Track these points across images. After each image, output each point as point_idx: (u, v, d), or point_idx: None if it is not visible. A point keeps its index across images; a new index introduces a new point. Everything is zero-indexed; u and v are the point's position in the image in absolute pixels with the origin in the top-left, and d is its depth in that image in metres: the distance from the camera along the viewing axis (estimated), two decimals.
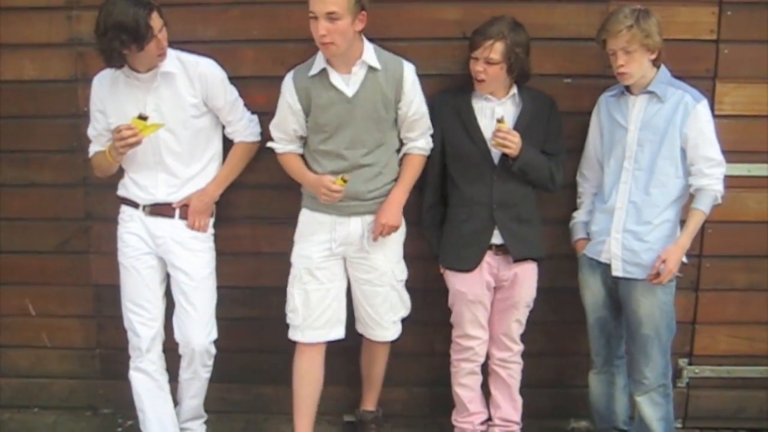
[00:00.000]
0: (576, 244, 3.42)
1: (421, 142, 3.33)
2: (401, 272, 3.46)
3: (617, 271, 3.20)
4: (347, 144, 3.22)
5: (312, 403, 3.44)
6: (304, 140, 3.35)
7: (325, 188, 3.14)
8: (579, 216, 3.44)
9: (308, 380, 3.41)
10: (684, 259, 3.17)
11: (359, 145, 3.23)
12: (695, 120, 3.08)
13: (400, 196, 3.31)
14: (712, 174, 3.08)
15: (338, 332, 3.41)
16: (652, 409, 3.22)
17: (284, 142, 3.34)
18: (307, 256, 3.33)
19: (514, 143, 3.17)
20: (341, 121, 3.20)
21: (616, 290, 3.25)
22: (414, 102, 3.25)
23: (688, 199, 3.18)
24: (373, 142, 3.25)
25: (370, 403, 3.69)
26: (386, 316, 3.43)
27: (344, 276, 3.42)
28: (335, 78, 3.17)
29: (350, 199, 3.23)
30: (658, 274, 3.08)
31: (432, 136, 3.35)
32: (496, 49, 3.15)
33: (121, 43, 3.02)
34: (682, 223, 3.19)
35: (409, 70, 3.24)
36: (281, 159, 3.37)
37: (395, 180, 3.34)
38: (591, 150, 3.38)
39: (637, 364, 3.23)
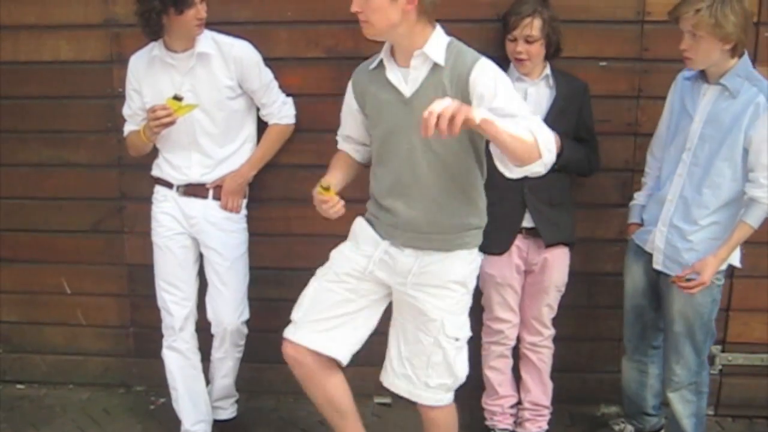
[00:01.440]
0: (629, 227, 3.30)
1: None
2: (456, 329, 2.80)
3: (657, 264, 3.09)
4: (399, 158, 2.69)
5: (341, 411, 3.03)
6: (366, 146, 2.92)
7: (315, 197, 2.69)
8: (639, 198, 3.29)
9: (313, 390, 2.99)
10: (723, 266, 3.00)
11: (415, 161, 2.66)
12: (764, 124, 2.82)
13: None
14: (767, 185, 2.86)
15: (339, 353, 2.87)
16: (682, 405, 3.16)
17: (341, 140, 2.98)
18: (348, 257, 2.86)
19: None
20: (394, 126, 2.67)
21: (658, 281, 3.16)
22: (495, 105, 2.50)
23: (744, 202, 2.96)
24: (434, 160, 2.65)
25: None
26: (418, 371, 2.81)
27: (375, 307, 2.91)
28: (392, 72, 2.66)
29: (405, 228, 2.74)
30: (686, 279, 2.94)
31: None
32: (535, 26, 3.13)
33: (162, 3, 3.02)
34: None
35: (480, 69, 2.56)
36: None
37: (472, 220, 2.77)
38: (664, 129, 3.16)
39: (668, 360, 3.17)
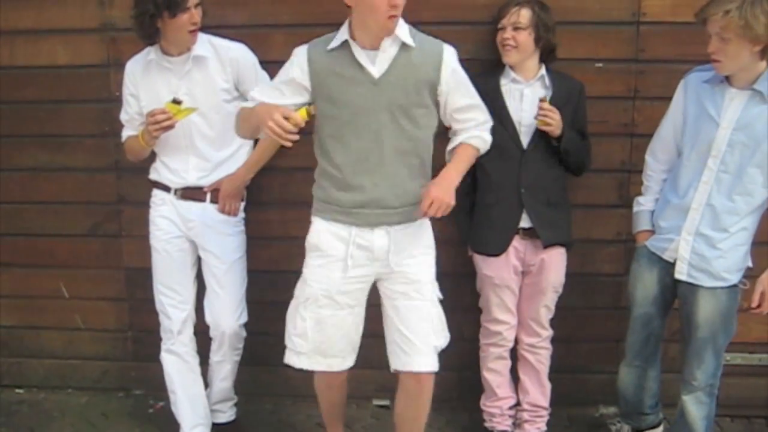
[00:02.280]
0: (638, 234, 3.21)
1: (474, 133, 2.92)
2: (437, 290, 3.00)
3: (681, 274, 3.01)
4: (367, 137, 2.80)
5: (341, 414, 3.32)
6: None
7: (279, 116, 2.58)
8: (646, 203, 3.20)
9: (333, 403, 3.24)
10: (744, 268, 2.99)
11: (383, 138, 2.80)
12: None
13: (453, 174, 2.80)
14: None
15: (351, 362, 3.02)
16: (696, 408, 3.11)
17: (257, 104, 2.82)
18: (327, 276, 2.91)
19: (555, 120, 3.12)
20: (362, 107, 2.77)
21: (673, 289, 3.10)
22: (458, 90, 2.85)
23: None
24: (400, 137, 2.82)
25: None
26: (428, 338, 2.92)
27: (365, 301, 3.01)
28: (361, 53, 2.76)
29: (374, 206, 2.85)
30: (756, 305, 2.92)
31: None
32: (523, 15, 3.16)
33: (155, 7, 3.03)
34: None
35: (449, 53, 2.82)
36: (242, 110, 2.90)
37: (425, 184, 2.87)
38: (669, 131, 3.08)
39: (690, 366, 3.10)
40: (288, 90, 2.84)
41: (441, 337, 2.97)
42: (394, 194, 2.85)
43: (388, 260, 2.89)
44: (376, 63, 2.76)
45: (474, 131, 2.92)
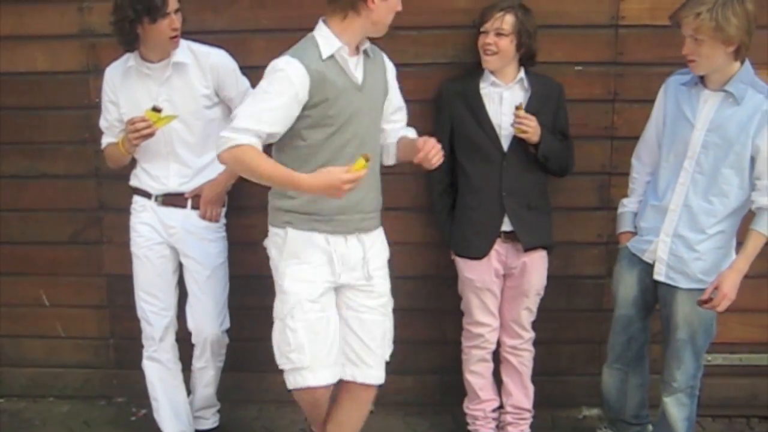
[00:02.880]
0: (621, 235, 3.23)
1: (409, 132, 3.07)
2: None
3: (660, 275, 3.03)
4: (355, 143, 2.81)
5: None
6: (266, 142, 2.77)
7: (342, 181, 2.58)
8: (629, 205, 3.22)
9: (317, 414, 3.11)
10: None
11: (365, 142, 2.84)
12: None
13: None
14: None
15: (341, 372, 2.97)
16: (677, 409, 3.13)
17: (247, 134, 2.66)
18: (311, 280, 2.85)
19: (531, 127, 3.14)
20: (353, 112, 2.79)
21: (654, 291, 3.12)
22: (397, 91, 3.03)
23: (748, 210, 2.95)
24: (375, 139, 2.92)
25: None
26: (385, 352, 3.02)
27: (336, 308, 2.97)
28: (345, 60, 2.79)
29: (353, 211, 2.86)
30: (709, 299, 2.87)
31: (441, 127, 3.29)
32: (507, 21, 3.16)
33: (135, 12, 3.02)
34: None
35: (388, 59, 3.00)
36: (237, 151, 2.65)
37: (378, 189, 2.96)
38: (653, 132, 3.11)
39: (669, 367, 3.12)
40: (291, 107, 2.71)
41: (388, 351, 3.05)
42: (369, 197, 2.91)
43: (368, 268, 2.91)
44: (357, 69, 2.83)
45: (407, 131, 3.06)
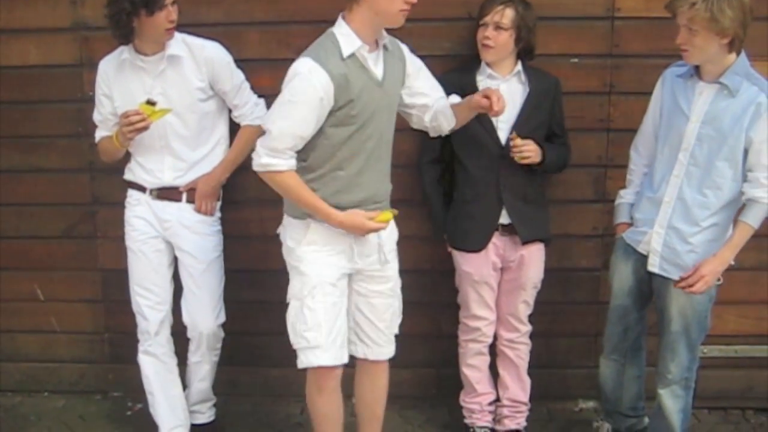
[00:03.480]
0: (617, 226, 3.23)
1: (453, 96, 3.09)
2: None
3: (653, 266, 3.04)
4: (374, 137, 2.85)
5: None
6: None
7: (366, 228, 2.82)
8: (626, 196, 3.22)
9: (333, 420, 3.11)
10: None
11: (383, 138, 2.90)
12: (765, 124, 2.79)
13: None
14: None
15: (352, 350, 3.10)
16: (672, 401, 3.13)
17: (289, 154, 2.77)
18: (334, 264, 2.92)
19: (532, 152, 3.17)
20: (375, 108, 2.81)
21: (649, 282, 3.12)
22: (422, 72, 3.01)
23: (742, 203, 2.94)
24: (390, 135, 2.95)
25: None
26: (394, 330, 3.13)
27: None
28: (365, 57, 2.78)
29: (370, 202, 2.90)
30: (686, 280, 2.91)
31: None
32: (506, 15, 3.15)
33: (132, 5, 3.00)
34: None
35: (406, 48, 2.99)
36: (281, 177, 2.79)
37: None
38: (650, 124, 3.11)
39: (664, 358, 3.12)
40: (318, 116, 2.73)
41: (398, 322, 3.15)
42: (384, 189, 2.98)
43: (383, 252, 2.98)
44: (377, 65, 2.82)
45: (453, 98, 3.05)
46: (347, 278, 2.99)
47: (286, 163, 2.77)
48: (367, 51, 2.77)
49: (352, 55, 2.73)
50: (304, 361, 2.93)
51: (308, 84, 2.68)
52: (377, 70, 2.80)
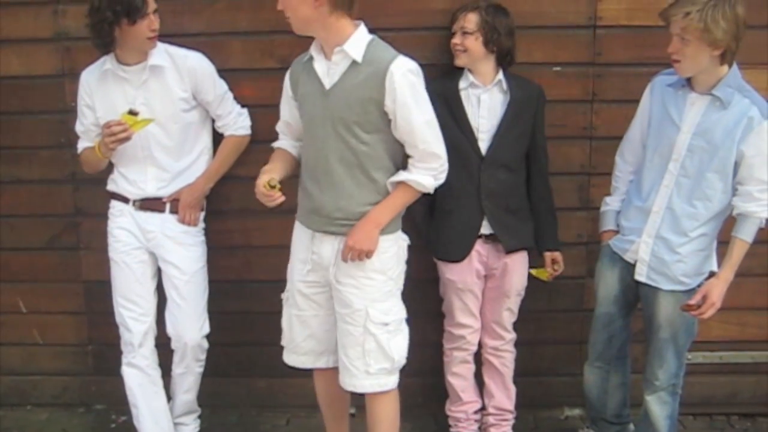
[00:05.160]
0: (603, 234, 3.22)
1: (418, 173, 2.81)
2: (382, 314, 2.89)
3: (641, 276, 3.04)
4: (317, 146, 2.85)
5: (337, 419, 3.30)
6: (294, 134, 3.06)
7: (258, 188, 2.85)
8: (612, 204, 3.21)
9: (323, 400, 3.25)
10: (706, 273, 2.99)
11: (326, 152, 2.82)
12: (757, 138, 2.78)
13: (377, 216, 2.81)
14: (762, 199, 2.82)
15: (327, 362, 3.09)
16: (659, 407, 3.14)
17: (281, 135, 3.10)
18: (291, 278, 3.05)
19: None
20: (315, 115, 2.83)
21: (635, 289, 3.12)
22: (401, 111, 2.73)
23: (730, 213, 2.94)
24: (344, 154, 2.80)
25: None
26: (356, 362, 2.90)
27: (331, 305, 2.99)
28: (319, 64, 2.81)
29: (318, 214, 2.88)
30: (695, 305, 2.87)
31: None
32: (469, 19, 3.18)
33: (114, 14, 2.99)
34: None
35: (397, 67, 2.70)
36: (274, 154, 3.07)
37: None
38: (637, 132, 3.11)
39: (651, 365, 3.13)
40: (285, 104, 3.03)
41: (380, 361, 2.91)
42: (336, 206, 2.85)
43: (329, 272, 2.92)
44: (329, 75, 2.80)
45: (419, 169, 2.82)
46: (325, 289, 2.98)
47: (277, 142, 3.10)
48: (319, 58, 2.82)
49: (309, 60, 2.85)
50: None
51: (286, 76, 2.98)
52: (326, 79, 2.80)
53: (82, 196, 3.71)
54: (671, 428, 3.19)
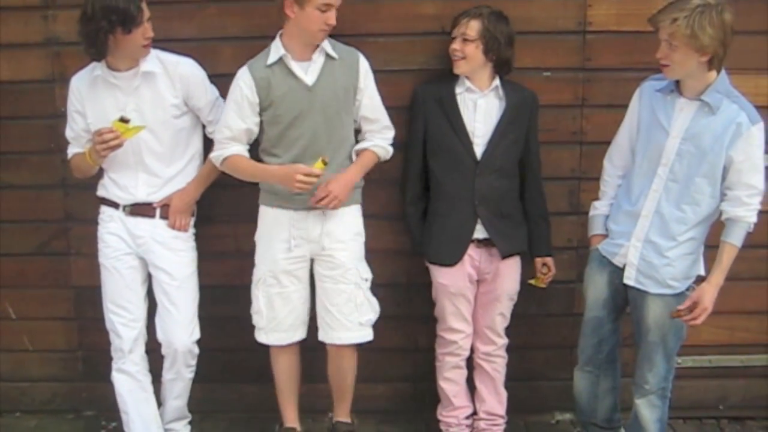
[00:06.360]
0: (592, 238, 3.24)
1: (378, 139, 3.31)
2: (366, 271, 3.34)
3: (630, 279, 3.06)
4: (306, 136, 3.16)
5: (294, 393, 3.50)
6: (250, 140, 3.27)
7: (302, 175, 3.02)
8: (601, 208, 3.22)
9: (287, 375, 3.47)
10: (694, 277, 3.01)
11: (318, 138, 3.17)
12: (746, 143, 2.82)
13: (353, 176, 3.23)
14: (751, 204, 2.85)
15: (302, 334, 3.39)
16: (649, 411, 3.15)
17: (230, 143, 3.21)
18: (271, 258, 3.28)
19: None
20: (300, 110, 3.14)
21: (624, 294, 3.13)
22: (368, 93, 3.25)
23: (718, 216, 2.96)
24: (332, 135, 3.20)
25: (343, 414, 3.50)
26: (351, 316, 3.29)
27: (308, 278, 3.35)
28: (295, 65, 3.13)
29: (310, 192, 3.13)
30: (684, 311, 2.90)
31: (414, 131, 3.36)
32: (471, 26, 3.18)
33: (109, 23, 2.99)
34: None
35: (363, 60, 3.23)
36: (227, 163, 3.23)
37: None
38: (625, 137, 3.13)
39: (641, 369, 3.14)
40: (247, 110, 3.18)
41: (368, 313, 3.32)
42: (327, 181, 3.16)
43: (322, 243, 3.24)
44: (308, 72, 3.14)
45: (379, 139, 3.31)
46: (305, 264, 3.30)
47: (228, 150, 3.21)
48: (294, 60, 3.13)
49: (279, 63, 3.13)
50: (255, 334, 3.40)
51: (236, 85, 3.17)
52: (308, 75, 3.13)
53: (72, 201, 3.70)
54: (661, 431, 3.19)
